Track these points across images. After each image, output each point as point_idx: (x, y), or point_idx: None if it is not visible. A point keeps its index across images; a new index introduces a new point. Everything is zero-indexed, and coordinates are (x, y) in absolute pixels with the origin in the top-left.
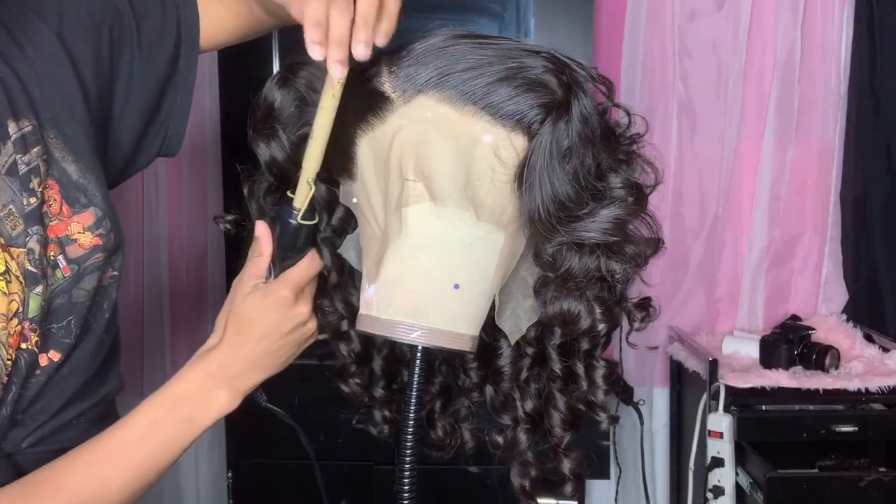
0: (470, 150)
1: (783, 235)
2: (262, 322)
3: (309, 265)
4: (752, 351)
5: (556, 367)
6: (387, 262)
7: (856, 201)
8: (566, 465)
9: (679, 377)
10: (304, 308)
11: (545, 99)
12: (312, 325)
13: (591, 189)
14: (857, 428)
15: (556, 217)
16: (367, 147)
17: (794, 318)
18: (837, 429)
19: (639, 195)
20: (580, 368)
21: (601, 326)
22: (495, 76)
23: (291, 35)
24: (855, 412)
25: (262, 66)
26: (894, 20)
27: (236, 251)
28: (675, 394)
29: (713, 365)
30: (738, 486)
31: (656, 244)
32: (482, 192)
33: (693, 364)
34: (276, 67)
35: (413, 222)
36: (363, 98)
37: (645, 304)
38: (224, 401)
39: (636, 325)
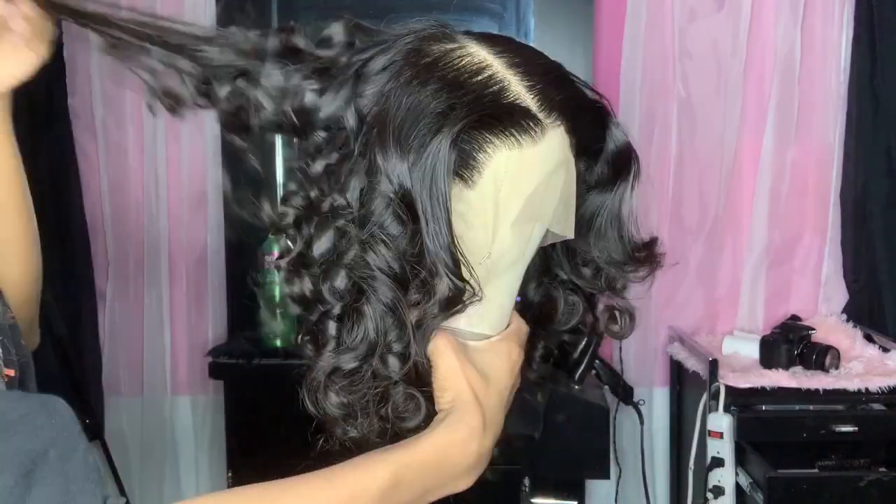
0: (572, 185)
1: (783, 235)
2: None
3: None
4: (752, 351)
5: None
6: (489, 279)
7: (856, 201)
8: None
9: (679, 377)
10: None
11: (626, 158)
12: None
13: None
14: (857, 428)
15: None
16: (502, 161)
17: (794, 318)
18: (837, 429)
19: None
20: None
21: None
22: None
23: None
24: (855, 412)
25: None
26: (894, 21)
27: (237, 252)
28: (675, 394)
29: (713, 365)
30: (738, 486)
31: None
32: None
33: (693, 364)
34: None
35: (518, 240)
36: (506, 107)
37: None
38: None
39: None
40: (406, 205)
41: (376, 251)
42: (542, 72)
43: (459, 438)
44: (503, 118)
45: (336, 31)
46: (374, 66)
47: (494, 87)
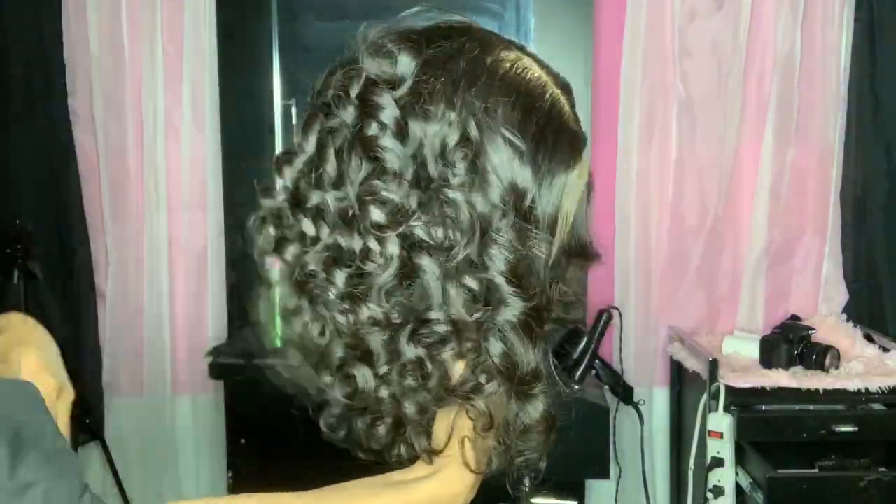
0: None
1: (783, 235)
2: None
3: None
4: (752, 351)
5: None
6: None
7: (856, 201)
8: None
9: (679, 377)
10: None
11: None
12: None
13: None
14: (857, 428)
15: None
16: (566, 181)
17: (794, 318)
18: (837, 429)
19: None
20: None
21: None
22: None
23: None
24: (855, 412)
25: (261, 59)
26: (894, 21)
27: (236, 252)
28: (675, 394)
29: (713, 365)
30: (738, 486)
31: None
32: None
33: (693, 364)
34: (275, 64)
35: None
36: (573, 132)
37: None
38: None
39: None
40: (518, 212)
41: (495, 255)
42: (570, 91)
43: (452, 493)
44: (573, 142)
45: (405, 64)
46: (451, 77)
47: (557, 108)
